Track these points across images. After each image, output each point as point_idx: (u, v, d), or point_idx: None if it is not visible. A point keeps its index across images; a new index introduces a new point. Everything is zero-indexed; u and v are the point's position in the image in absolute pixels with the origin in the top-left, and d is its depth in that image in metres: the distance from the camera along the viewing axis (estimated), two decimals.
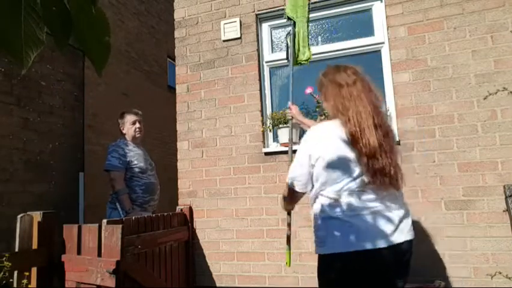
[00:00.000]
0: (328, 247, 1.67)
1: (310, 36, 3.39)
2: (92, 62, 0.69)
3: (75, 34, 0.66)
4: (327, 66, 1.90)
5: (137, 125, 3.51)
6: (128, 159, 3.34)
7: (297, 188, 1.80)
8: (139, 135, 3.52)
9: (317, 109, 3.13)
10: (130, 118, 3.52)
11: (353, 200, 1.63)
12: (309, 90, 3.05)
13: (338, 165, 1.64)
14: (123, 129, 3.53)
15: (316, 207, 1.75)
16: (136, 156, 3.40)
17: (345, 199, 1.64)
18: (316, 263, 1.75)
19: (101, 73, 0.70)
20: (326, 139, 1.69)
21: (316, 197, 1.75)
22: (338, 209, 1.66)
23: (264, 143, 3.27)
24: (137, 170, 3.36)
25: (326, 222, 1.69)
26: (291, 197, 1.90)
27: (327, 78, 1.82)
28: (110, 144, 3.48)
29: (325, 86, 1.82)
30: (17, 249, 2.20)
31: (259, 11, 3.39)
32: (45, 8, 0.62)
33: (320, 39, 3.34)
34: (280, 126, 3.18)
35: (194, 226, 3.34)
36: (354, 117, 1.63)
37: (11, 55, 0.62)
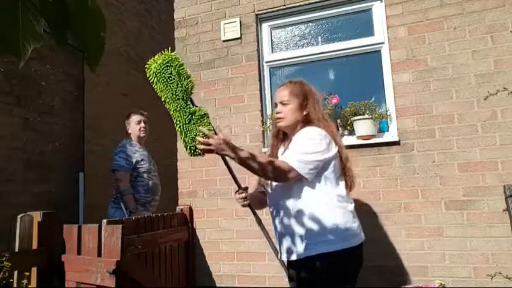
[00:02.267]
0: (354, 240, 1.81)
1: (310, 37, 3.40)
2: (87, 58, 0.68)
3: (71, 27, 0.66)
4: (299, 82, 2.06)
5: (142, 124, 3.57)
6: (135, 160, 3.40)
7: (308, 176, 1.79)
8: (143, 134, 3.58)
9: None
10: (135, 118, 3.58)
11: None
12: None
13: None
14: (128, 129, 3.57)
15: (333, 202, 1.83)
16: (142, 156, 3.47)
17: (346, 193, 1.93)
18: None
19: (95, 69, 0.70)
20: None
21: (330, 192, 1.85)
22: (350, 202, 1.91)
23: (264, 143, 3.27)
24: (142, 170, 3.43)
25: (347, 215, 1.84)
26: (280, 177, 1.84)
27: (310, 91, 2.02)
28: (118, 145, 3.51)
29: (310, 97, 2.00)
30: (17, 249, 2.21)
31: (259, 11, 3.39)
32: (42, 0, 0.62)
33: (319, 39, 3.34)
34: None
35: (194, 226, 3.34)
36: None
37: (8, 48, 0.62)
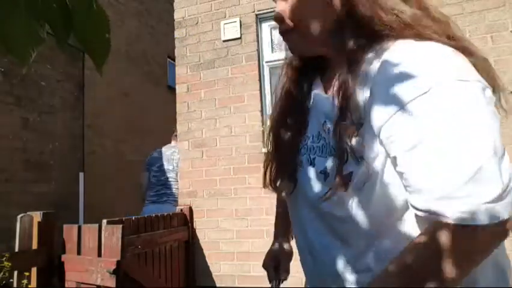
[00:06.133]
0: None
1: None
2: (92, 59, 0.69)
3: (75, 31, 0.66)
4: None
5: None
6: None
7: None
8: None
9: None
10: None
11: None
12: None
13: None
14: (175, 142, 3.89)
15: None
16: None
17: None
18: None
19: (101, 70, 0.70)
20: None
21: None
22: None
23: (264, 143, 3.27)
24: None
25: None
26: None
27: None
28: (176, 150, 3.74)
29: None
30: (17, 249, 2.20)
31: (259, 11, 3.39)
32: (45, 3, 0.62)
33: None
34: None
35: (194, 226, 3.34)
36: None
37: (11, 53, 0.62)
